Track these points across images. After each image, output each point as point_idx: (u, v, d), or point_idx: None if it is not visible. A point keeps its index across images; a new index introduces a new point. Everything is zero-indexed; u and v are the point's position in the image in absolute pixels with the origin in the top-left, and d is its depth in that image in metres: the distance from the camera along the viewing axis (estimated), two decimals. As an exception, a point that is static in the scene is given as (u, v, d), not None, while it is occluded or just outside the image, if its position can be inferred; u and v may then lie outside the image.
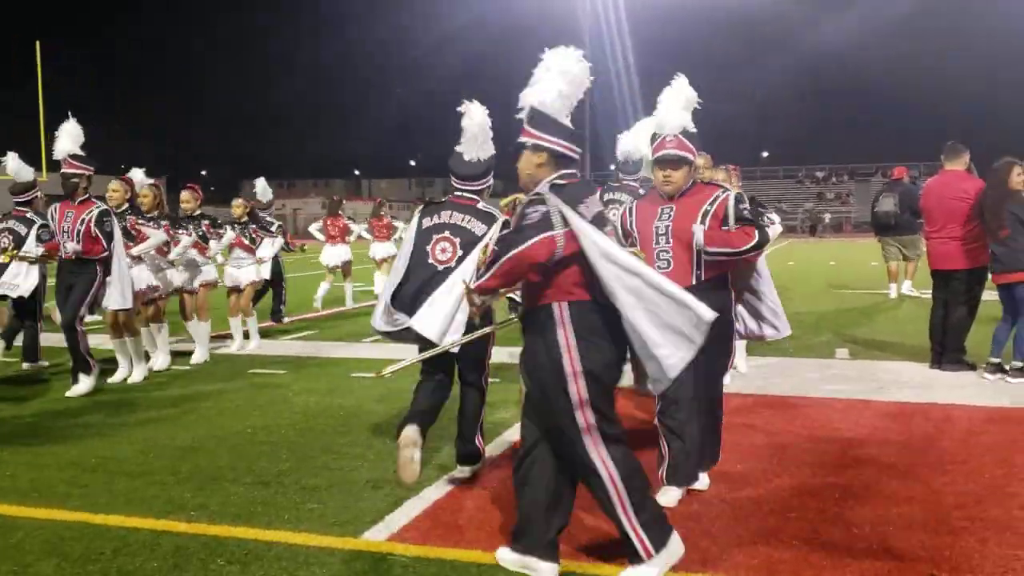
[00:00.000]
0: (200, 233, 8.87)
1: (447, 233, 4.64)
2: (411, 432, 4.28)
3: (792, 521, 4.05)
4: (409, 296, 4.53)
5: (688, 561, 3.45)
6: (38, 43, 33.30)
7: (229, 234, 9.29)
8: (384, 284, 5.30)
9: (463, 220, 4.68)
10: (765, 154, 74.39)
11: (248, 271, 9.55)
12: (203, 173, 59.45)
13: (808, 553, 3.67)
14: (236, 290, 9.54)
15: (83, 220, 7.26)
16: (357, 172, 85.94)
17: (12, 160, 8.37)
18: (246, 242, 9.59)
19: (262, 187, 11.83)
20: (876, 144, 73.73)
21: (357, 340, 10.12)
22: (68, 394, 7.15)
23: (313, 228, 14.03)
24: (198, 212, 9.10)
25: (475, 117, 4.71)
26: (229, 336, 9.67)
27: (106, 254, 7.31)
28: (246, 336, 9.69)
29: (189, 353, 8.93)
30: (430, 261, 4.59)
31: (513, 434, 5.64)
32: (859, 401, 6.55)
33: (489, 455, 5.11)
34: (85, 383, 7.24)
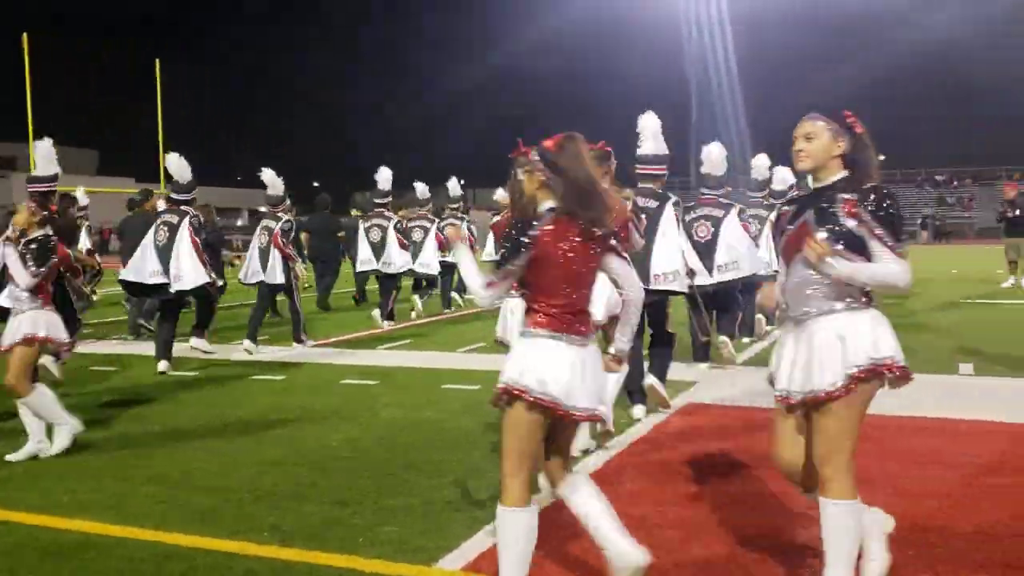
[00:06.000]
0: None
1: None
2: None
3: (912, 559, 3.63)
4: None
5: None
6: (158, 61, 34.82)
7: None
8: None
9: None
10: (881, 157, 71.00)
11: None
12: (316, 184, 60.92)
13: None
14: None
15: None
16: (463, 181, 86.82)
17: (174, 160, 9.17)
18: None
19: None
20: (1003, 145, 69.49)
21: (451, 350, 9.98)
22: None
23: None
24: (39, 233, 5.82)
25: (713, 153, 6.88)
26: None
27: None
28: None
29: (284, 365, 8.92)
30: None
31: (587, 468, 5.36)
32: (985, 422, 5.97)
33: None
34: None
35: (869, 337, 3.10)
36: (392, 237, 12.13)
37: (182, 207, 9.14)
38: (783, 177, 10.37)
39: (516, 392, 3.10)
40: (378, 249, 12.19)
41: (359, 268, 12.77)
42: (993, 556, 3.68)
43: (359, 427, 6.30)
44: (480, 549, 3.86)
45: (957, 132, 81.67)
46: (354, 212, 15.38)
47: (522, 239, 3.15)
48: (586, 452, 5.36)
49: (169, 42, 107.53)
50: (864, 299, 3.17)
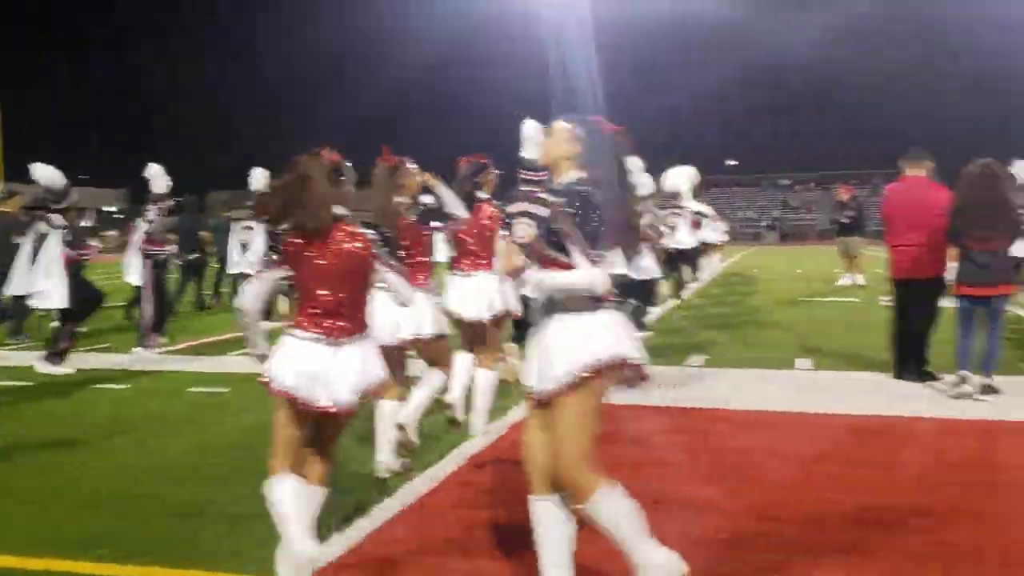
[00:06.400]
0: None
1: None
2: None
3: (753, 551, 3.80)
4: None
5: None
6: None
7: None
8: None
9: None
10: (733, 162, 74.36)
11: None
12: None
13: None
14: None
15: None
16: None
17: (43, 169, 8.60)
18: None
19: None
20: (844, 151, 74.17)
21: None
22: None
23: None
24: None
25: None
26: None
27: None
28: None
29: (128, 373, 8.53)
30: None
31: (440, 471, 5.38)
32: (820, 415, 6.34)
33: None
34: None
35: (595, 339, 3.06)
36: (259, 238, 11.89)
37: (51, 215, 8.53)
38: None
39: (265, 382, 3.41)
40: (247, 250, 11.98)
41: (230, 269, 12.51)
42: (825, 540, 3.91)
43: (207, 435, 6.09)
44: (329, 559, 3.80)
45: (802, 137, 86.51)
46: (225, 212, 14.97)
47: (276, 243, 3.49)
48: (405, 449, 5.22)
49: (12, 33, 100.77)
50: (594, 301, 3.14)
